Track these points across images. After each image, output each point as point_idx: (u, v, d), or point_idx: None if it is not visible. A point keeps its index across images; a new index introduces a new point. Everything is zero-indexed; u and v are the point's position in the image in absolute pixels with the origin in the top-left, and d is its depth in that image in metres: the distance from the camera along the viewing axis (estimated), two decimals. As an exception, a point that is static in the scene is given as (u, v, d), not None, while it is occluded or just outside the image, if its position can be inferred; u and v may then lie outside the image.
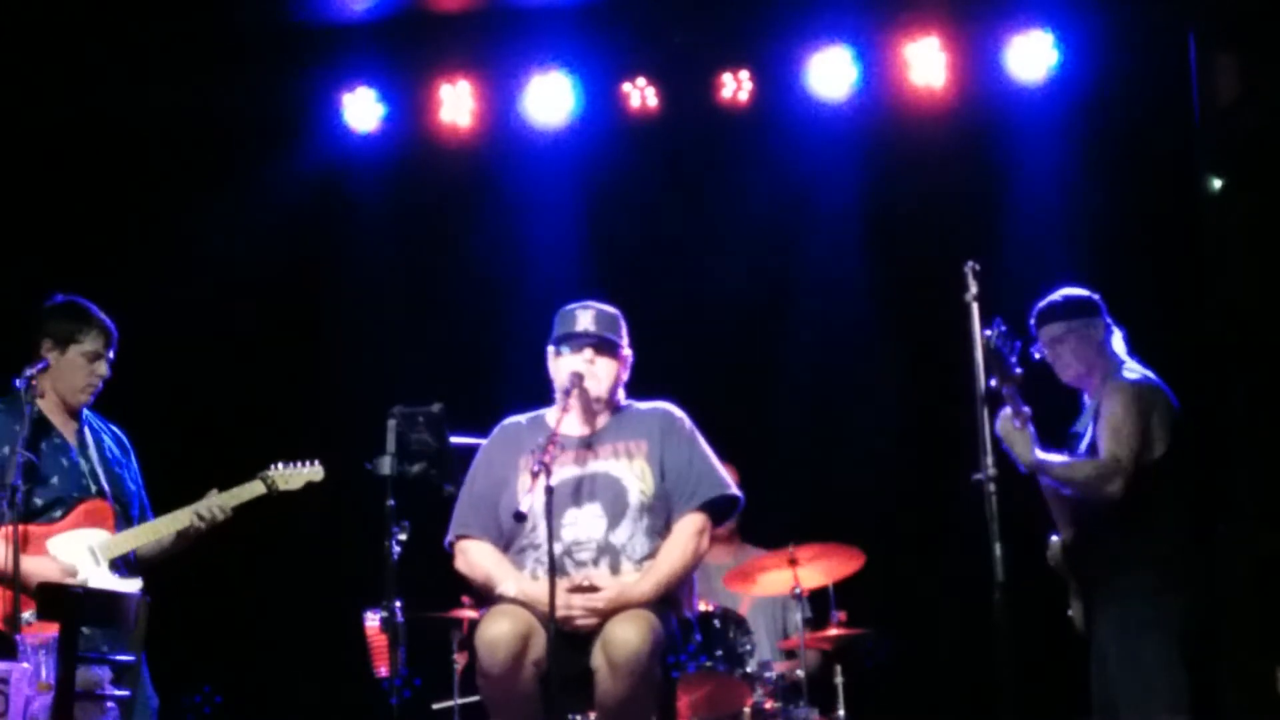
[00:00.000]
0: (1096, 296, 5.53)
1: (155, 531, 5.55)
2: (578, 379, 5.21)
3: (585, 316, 5.30)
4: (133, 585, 5.43)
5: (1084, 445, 5.38)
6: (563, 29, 7.62)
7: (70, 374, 5.52)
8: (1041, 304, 5.53)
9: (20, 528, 5.29)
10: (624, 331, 5.38)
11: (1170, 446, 5.28)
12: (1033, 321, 5.51)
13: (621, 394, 5.39)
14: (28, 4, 7.13)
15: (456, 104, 7.83)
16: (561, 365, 5.30)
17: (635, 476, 5.21)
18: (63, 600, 4.66)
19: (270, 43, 7.58)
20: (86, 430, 5.60)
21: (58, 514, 5.43)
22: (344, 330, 7.90)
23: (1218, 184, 7.16)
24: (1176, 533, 5.30)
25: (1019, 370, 4.99)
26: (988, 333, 4.88)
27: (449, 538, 5.31)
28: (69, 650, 4.50)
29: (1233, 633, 6.47)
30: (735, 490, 5.33)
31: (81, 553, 5.41)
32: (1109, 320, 5.51)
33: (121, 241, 7.61)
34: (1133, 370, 5.42)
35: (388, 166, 7.92)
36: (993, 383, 4.95)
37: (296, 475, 5.67)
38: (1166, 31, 7.30)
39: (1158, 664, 5.17)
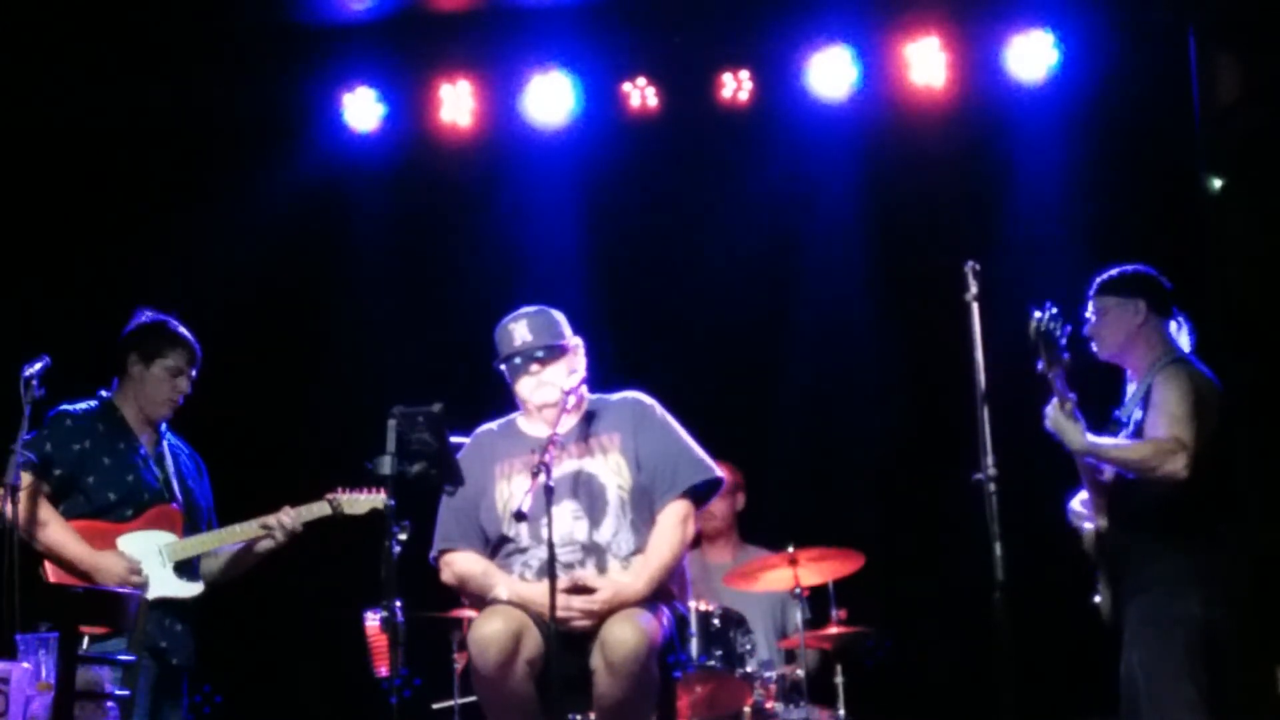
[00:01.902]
0: (1162, 280, 5.45)
1: (221, 539, 5.72)
2: (578, 382, 5.22)
3: (520, 330, 5.27)
4: (194, 589, 5.64)
5: (1127, 431, 5.34)
6: (563, 29, 7.61)
7: (152, 388, 5.72)
8: (1103, 275, 5.48)
9: (90, 523, 5.54)
10: (562, 327, 5.33)
11: (1215, 444, 5.24)
12: (1091, 291, 5.48)
13: (585, 389, 5.36)
14: (26, 4, 7.13)
15: (456, 104, 7.83)
16: (520, 387, 5.30)
17: (612, 472, 5.20)
18: (63, 600, 4.66)
19: (270, 43, 7.58)
20: (165, 445, 5.78)
21: (129, 512, 5.60)
22: (344, 330, 7.90)
23: (1218, 184, 7.16)
24: (1207, 530, 5.27)
25: (1067, 355, 4.98)
26: (1038, 315, 4.87)
27: (433, 553, 5.31)
28: (69, 650, 4.50)
29: (1233, 632, 6.46)
30: (717, 472, 5.30)
31: (149, 552, 5.56)
32: (1175, 309, 5.44)
33: (120, 242, 7.61)
34: (1190, 363, 5.36)
35: (388, 166, 7.92)
36: (1040, 366, 4.95)
37: (363, 501, 5.76)
38: (1166, 31, 7.30)
39: (1179, 662, 5.13)
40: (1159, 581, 5.19)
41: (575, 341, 5.35)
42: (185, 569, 5.64)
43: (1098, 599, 5.46)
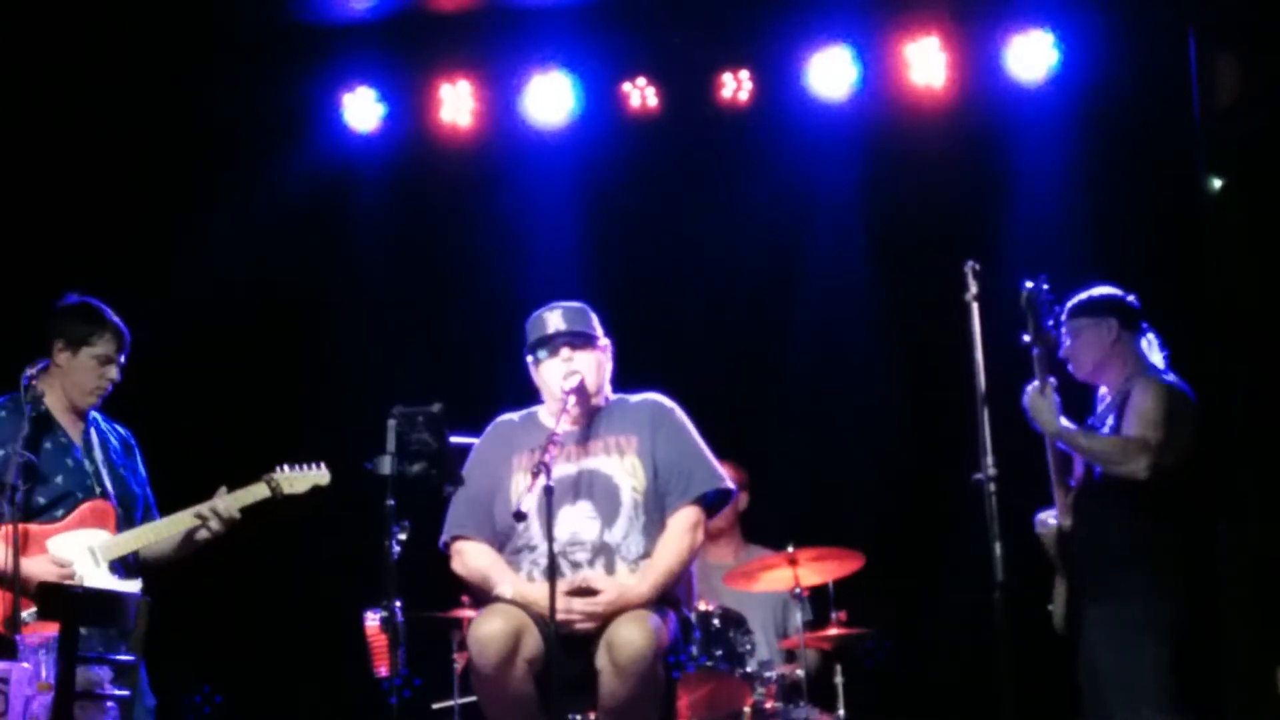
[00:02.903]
0: (1129, 299, 5.53)
1: (157, 533, 5.51)
2: (578, 382, 5.22)
3: (554, 317, 5.32)
4: (131, 586, 5.39)
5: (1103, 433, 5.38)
6: (563, 29, 7.62)
7: (80, 376, 5.49)
8: (1073, 300, 5.54)
9: (21, 526, 5.24)
10: (595, 323, 5.39)
11: (1189, 452, 5.27)
12: (1064, 317, 5.53)
13: (608, 387, 5.38)
14: (26, 3, 7.13)
15: (456, 104, 7.83)
16: (544, 371, 5.31)
17: (627, 473, 5.21)
18: (63, 600, 4.66)
19: (270, 43, 7.58)
20: (93, 431, 5.57)
21: (59, 513, 5.41)
22: (344, 330, 7.90)
23: (1218, 184, 7.16)
24: (1177, 536, 5.29)
25: (1052, 332, 5.01)
26: (1029, 284, 4.91)
27: (444, 538, 5.31)
28: (69, 650, 4.50)
29: (1233, 632, 6.47)
30: (728, 483, 5.33)
31: (81, 553, 5.37)
32: (1145, 325, 5.52)
33: (120, 241, 7.60)
34: (1165, 375, 5.42)
35: (388, 166, 7.92)
36: (1025, 338, 4.97)
37: (301, 479, 5.61)
38: (1166, 31, 7.30)
39: (1146, 666, 5.14)
40: (1126, 588, 5.22)
41: (605, 342, 5.37)
42: (121, 566, 5.45)
43: (1051, 607, 5.47)
